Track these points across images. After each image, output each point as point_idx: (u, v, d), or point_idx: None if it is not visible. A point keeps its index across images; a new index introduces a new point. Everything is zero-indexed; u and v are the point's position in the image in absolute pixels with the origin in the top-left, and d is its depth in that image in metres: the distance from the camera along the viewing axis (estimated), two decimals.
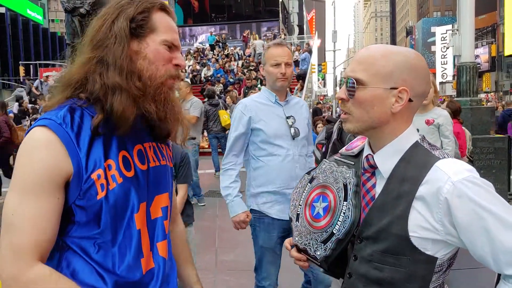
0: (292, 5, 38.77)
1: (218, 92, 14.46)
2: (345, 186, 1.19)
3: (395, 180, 1.09)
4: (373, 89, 1.08)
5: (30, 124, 1.09)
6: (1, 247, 1.01)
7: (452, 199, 1.00)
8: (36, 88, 19.13)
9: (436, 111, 3.47)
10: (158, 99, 1.14)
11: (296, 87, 16.86)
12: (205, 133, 9.79)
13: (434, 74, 43.54)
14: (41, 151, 1.02)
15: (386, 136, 1.13)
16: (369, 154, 1.17)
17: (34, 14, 42.89)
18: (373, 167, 1.15)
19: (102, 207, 1.08)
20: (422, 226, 1.04)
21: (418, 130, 3.56)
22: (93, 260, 1.09)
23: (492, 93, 42.05)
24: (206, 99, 9.65)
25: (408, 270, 1.07)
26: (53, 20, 60.27)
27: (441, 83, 47.06)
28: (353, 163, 1.24)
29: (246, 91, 15.39)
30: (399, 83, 1.08)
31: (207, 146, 11.78)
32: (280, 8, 32.66)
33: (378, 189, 1.13)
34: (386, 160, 1.12)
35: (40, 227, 1.02)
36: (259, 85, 17.42)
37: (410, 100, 1.09)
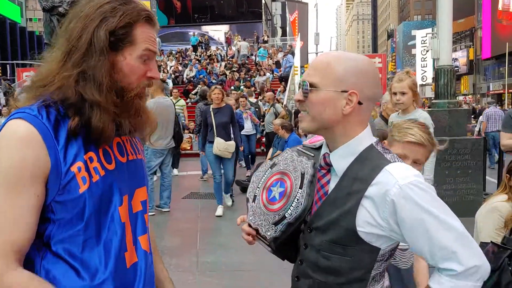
0: (275, 7, 38.91)
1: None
2: (302, 175, 1.29)
3: (347, 179, 1.18)
4: (325, 91, 1.17)
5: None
6: None
7: (398, 201, 1.09)
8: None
9: (417, 113, 3.52)
10: (129, 112, 1.14)
11: (278, 89, 16.92)
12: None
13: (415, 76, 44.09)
14: (19, 144, 0.99)
15: (338, 136, 1.20)
16: (326, 152, 1.24)
17: (11, 13, 42.04)
18: (329, 165, 1.23)
19: (86, 201, 1.05)
20: (369, 222, 1.14)
21: None
22: (77, 261, 1.06)
23: (470, 96, 42.95)
24: (196, 99, 9.71)
25: (353, 259, 1.17)
26: (31, 19, 59.11)
27: (421, 85, 47.82)
28: (313, 155, 1.33)
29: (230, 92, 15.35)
30: (349, 86, 1.16)
31: (189, 148, 11.73)
32: (263, 10, 32.75)
33: (332, 186, 1.21)
34: (341, 159, 1.20)
35: (20, 226, 0.99)
36: (242, 87, 17.44)
37: (360, 103, 1.17)
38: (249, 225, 1.36)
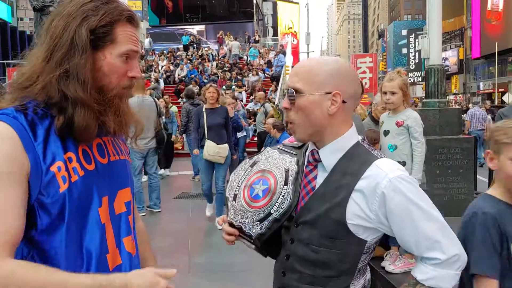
0: (267, 6, 38.91)
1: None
2: (287, 172, 1.33)
3: (336, 173, 1.24)
4: (310, 95, 1.23)
5: None
6: None
7: (388, 193, 1.16)
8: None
9: (407, 112, 3.53)
10: (110, 111, 1.14)
11: (270, 89, 16.91)
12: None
13: (406, 76, 44.45)
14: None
15: (328, 135, 1.26)
16: (314, 149, 1.30)
17: (2, 13, 41.64)
18: (317, 161, 1.29)
19: (66, 201, 1.05)
20: (358, 215, 1.19)
21: (389, 131, 3.58)
22: (62, 264, 1.05)
23: (460, 95, 43.33)
24: (185, 99, 9.49)
25: (341, 252, 1.23)
26: (22, 19, 58.56)
27: (411, 84, 48.15)
28: (295, 153, 1.38)
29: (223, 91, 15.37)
30: (332, 88, 1.23)
31: (180, 148, 11.68)
32: (254, 10, 32.73)
33: (319, 181, 1.27)
34: (330, 155, 1.26)
35: (9, 219, 0.98)
36: (233, 86, 17.42)
37: (344, 102, 1.24)
38: (231, 225, 1.37)
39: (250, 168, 1.43)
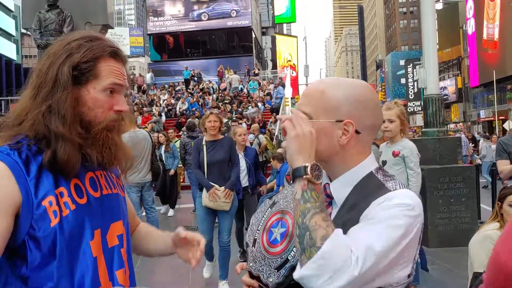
0: (265, 40, 39.71)
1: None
2: None
3: (345, 208, 1.09)
4: (319, 122, 1.08)
5: None
6: None
7: (374, 207, 1.00)
8: None
9: (403, 142, 3.54)
10: (96, 144, 1.15)
11: (270, 120, 17.04)
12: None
13: (405, 105, 44.87)
14: None
15: (338, 167, 1.12)
16: (326, 183, 1.15)
17: (7, 51, 42.52)
18: (330, 196, 1.13)
19: (57, 235, 1.06)
20: None
21: (386, 161, 3.57)
22: None
23: (461, 123, 43.51)
24: (185, 132, 9.49)
25: None
26: (27, 56, 59.74)
27: (411, 113, 48.46)
28: None
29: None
30: (344, 115, 1.07)
31: (181, 180, 11.63)
32: (253, 44, 33.40)
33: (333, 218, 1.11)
34: (341, 189, 1.11)
35: None
36: (234, 118, 17.54)
37: (358, 132, 1.09)
38: (250, 274, 1.23)
39: (269, 209, 1.27)
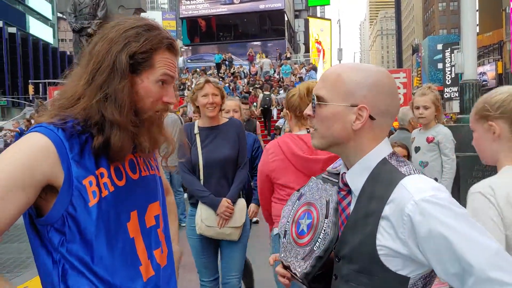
0: (298, 23, 39.16)
1: None
2: (327, 203, 1.19)
3: (364, 198, 1.08)
4: (333, 106, 1.09)
5: None
6: None
7: (414, 217, 0.97)
8: None
9: (437, 128, 3.44)
10: (144, 130, 1.18)
11: None
12: None
13: (442, 91, 43.56)
14: (29, 152, 1.04)
15: (352, 153, 1.12)
16: (343, 172, 1.16)
17: (44, 34, 43.71)
18: (347, 185, 1.14)
19: (95, 215, 1.09)
20: (389, 247, 1.02)
21: (420, 147, 3.49)
22: (92, 273, 1.10)
23: None
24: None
25: None
26: (63, 40, 61.35)
27: (448, 99, 47.00)
28: (337, 180, 1.22)
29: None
30: (359, 100, 1.07)
31: None
32: (286, 27, 33.01)
33: (352, 208, 1.12)
34: (356, 178, 1.11)
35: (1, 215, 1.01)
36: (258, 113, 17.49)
37: (372, 118, 1.08)
38: (282, 264, 1.27)
39: (297, 201, 1.31)
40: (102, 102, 1.11)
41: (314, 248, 1.17)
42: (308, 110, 1.15)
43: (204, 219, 2.77)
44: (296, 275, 1.20)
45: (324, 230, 1.16)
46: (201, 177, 2.80)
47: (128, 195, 1.17)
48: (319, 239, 1.16)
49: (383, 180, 1.06)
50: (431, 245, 0.96)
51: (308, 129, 2.49)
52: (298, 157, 2.26)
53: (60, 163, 1.06)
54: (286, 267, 1.25)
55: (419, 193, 0.98)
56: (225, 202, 2.75)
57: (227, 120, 2.93)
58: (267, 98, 15.77)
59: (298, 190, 1.35)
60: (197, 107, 2.85)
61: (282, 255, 1.27)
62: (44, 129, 1.07)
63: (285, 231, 1.29)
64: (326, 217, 1.17)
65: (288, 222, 1.30)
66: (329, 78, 1.12)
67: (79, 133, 1.11)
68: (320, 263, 1.16)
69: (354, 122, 1.08)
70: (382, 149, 1.11)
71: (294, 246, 1.23)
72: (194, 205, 2.86)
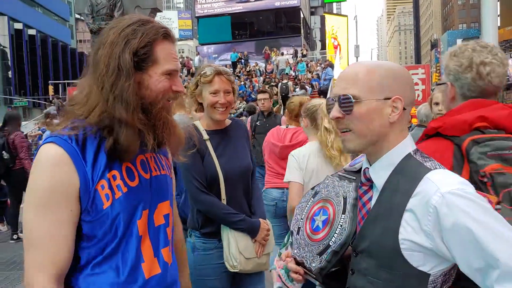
0: (314, 20, 38.94)
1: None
2: (345, 199, 1.22)
3: (387, 192, 1.09)
4: (367, 102, 1.09)
5: None
6: (26, 263, 1.10)
7: (441, 209, 0.98)
8: None
9: None
10: (158, 125, 1.22)
11: None
12: None
13: None
14: (50, 166, 1.10)
15: (384, 149, 1.13)
16: (366, 167, 1.17)
17: (63, 36, 44.45)
18: (370, 180, 1.15)
19: (109, 216, 1.14)
20: (412, 240, 1.03)
21: None
22: (101, 270, 1.16)
23: None
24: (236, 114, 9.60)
25: (401, 286, 1.05)
26: (81, 41, 62.34)
27: None
28: (354, 178, 1.25)
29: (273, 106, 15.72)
30: (392, 92, 1.10)
31: None
32: (301, 24, 32.85)
33: (374, 202, 1.13)
34: (380, 172, 1.12)
35: (57, 241, 1.10)
36: (280, 101, 17.45)
37: (404, 109, 1.11)
38: (295, 260, 1.29)
39: (312, 198, 1.33)
40: (112, 103, 1.15)
41: (330, 243, 1.18)
42: (335, 112, 1.12)
43: (243, 250, 2.11)
44: (311, 270, 1.22)
45: (341, 226, 1.18)
46: (223, 194, 2.16)
47: (141, 194, 1.21)
48: (335, 234, 1.18)
49: (408, 174, 1.07)
50: (456, 237, 0.97)
51: (288, 125, 3.81)
52: (272, 144, 3.81)
53: (77, 172, 1.11)
54: (299, 263, 1.27)
55: (446, 186, 0.99)
56: (265, 224, 2.22)
57: (232, 121, 2.36)
58: (284, 87, 16.25)
59: (312, 188, 1.37)
60: (200, 104, 2.27)
61: (295, 251, 1.29)
62: (58, 139, 1.12)
63: (299, 228, 1.31)
64: (343, 212, 1.19)
65: (302, 219, 1.32)
66: (353, 77, 1.11)
67: (91, 139, 1.15)
68: (336, 258, 1.17)
69: (390, 115, 1.09)
70: (407, 145, 1.13)
71: (309, 242, 1.25)
72: (210, 235, 2.17)
